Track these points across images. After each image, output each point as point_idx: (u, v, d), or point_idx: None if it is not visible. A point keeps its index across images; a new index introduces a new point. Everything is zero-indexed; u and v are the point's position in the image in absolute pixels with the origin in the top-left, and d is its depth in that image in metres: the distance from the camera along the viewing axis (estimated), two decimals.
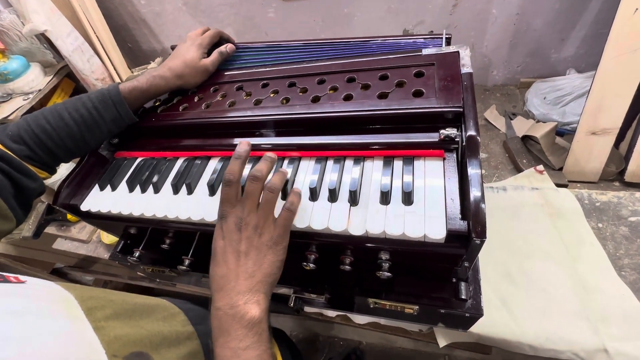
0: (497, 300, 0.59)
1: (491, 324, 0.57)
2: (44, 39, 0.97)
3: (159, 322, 0.40)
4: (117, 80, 1.05)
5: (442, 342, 0.62)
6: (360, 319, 0.71)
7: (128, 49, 1.21)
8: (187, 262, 0.55)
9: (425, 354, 1.36)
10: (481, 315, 0.44)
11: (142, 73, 1.03)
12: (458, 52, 0.47)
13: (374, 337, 1.37)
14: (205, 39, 0.60)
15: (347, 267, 0.45)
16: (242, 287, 0.36)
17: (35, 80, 0.99)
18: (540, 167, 0.74)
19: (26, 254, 1.32)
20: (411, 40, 0.52)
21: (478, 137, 0.39)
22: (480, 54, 0.91)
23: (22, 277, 0.31)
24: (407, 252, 0.40)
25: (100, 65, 1.03)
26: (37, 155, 0.49)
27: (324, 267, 0.47)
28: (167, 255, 0.59)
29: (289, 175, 0.43)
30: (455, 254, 0.38)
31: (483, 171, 0.81)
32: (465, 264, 0.40)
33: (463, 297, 0.44)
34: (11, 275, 0.31)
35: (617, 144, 0.71)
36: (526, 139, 0.80)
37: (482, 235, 0.33)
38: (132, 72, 1.08)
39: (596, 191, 0.66)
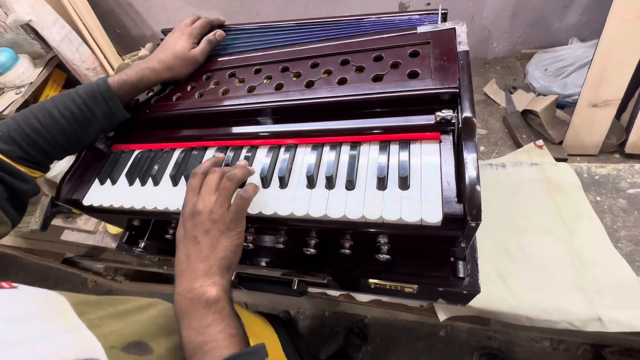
0: (495, 276, 0.61)
1: (490, 299, 0.59)
2: (30, 29, 0.94)
3: (154, 316, 0.41)
4: (109, 69, 1.02)
5: (442, 317, 0.64)
6: (362, 297, 0.73)
7: (117, 36, 1.17)
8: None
9: (428, 325, 1.41)
10: (478, 292, 0.46)
11: (133, 61, 1.01)
12: (454, 28, 0.46)
13: (378, 311, 1.42)
14: (195, 29, 0.59)
15: (347, 251, 0.46)
16: (198, 271, 0.37)
17: (25, 72, 0.97)
18: (540, 142, 0.73)
19: (36, 246, 1.35)
20: (406, 17, 0.51)
21: (474, 119, 0.38)
22: (480, 25, 0.88)
23: (14, 283, 0.32)
24: (405, 234, 0.41)
25: (90, 54, 1.01)
26: (30, 155, 0.48)
27: (325, 252, 0.49)
28: (172, 244, 0.61)
29: (258, 173, 0.46)
30: (452, 235, 0.39)
31: (482, 148, 0.81)
32: (462, 245, 0.41)
33: (461, 275, 0.46)
34: (3, 282, 0.31)
35: (618, 115, 0.70)
36: (526, 113, 0.79)
37: (478, 218, 0.33)
38: (123, 60, 1.06)
39: (595, 164, 0.66)
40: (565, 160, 0.72)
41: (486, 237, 0.65)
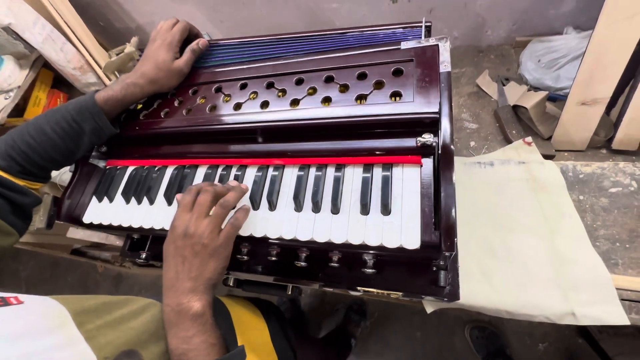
0: (479, 274, 0.64)
1: (473, 296, 0.62)
2: (11, 30, 0.91)
3: (147, 322, 0.44)
4: (96, 67, 1.00)
5: (429, 309, 0.68)
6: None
7: (101, 29, 1.13)
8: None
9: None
10: (458, 299, 0.49)
11: (119, 55, 0.99)
12: (437, 45, 0.45)
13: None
14: (175, 36, 0.57)
15: (335, 264, 0.49)
16: (187, 288, 0.41)
17: (12, 75, 0.96)
18: (529, 139, 0.73)
19: (44, 240, 1.40)
20: (390, 31, 0.50)
21: (452, 147, 0.39)
22: (474, 12, 0.84)
23: (21, 297, 0.35)
24: (388, 253, 0.43)
25: (75, 53, 0.98)
26: (27, 169, 0.51)
27: (315, 263, 0.52)
28: None
29: (248, 193, 0.48)
30: (430, 257, 0.41)
31: (473, 143, 0.82)
32: (441, 262, 0.44)
33: (442, 284, 0.49)
34: (11, 296, 0.35)
35: (607, 110, 0.70)
36: (517, 106, 0.79)
37: (451, 249, 0.36)
38: (110, 57, 1.03)
39: (581, 162, 0.67)
40: (552, 157, 0.73)
41: (472, 236, 0.67)
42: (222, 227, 0.43)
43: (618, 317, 0.56)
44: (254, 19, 0.99)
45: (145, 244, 0.64)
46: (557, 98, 0.78)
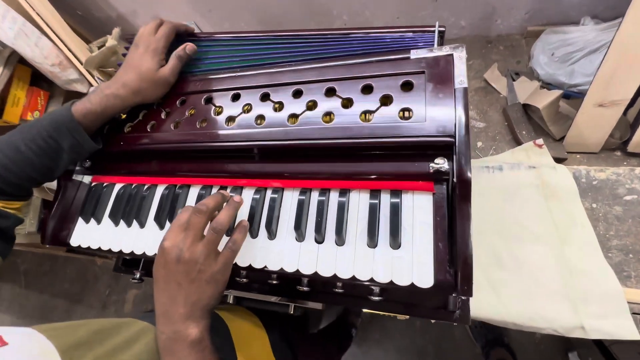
0: (486, 285, 0.63)
1: (479, 306, 0.61)
2: None
3: (141, 351, 0.42)
4: (76, 62, 0.93)
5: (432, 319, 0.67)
6: None
7: (80, 18, 1.04)
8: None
9: None
10: (468, 323, 0.47)
11: (100, 49, 0.92)
12: (452, 55, 0.40)
13: None
14: (160, 42, 0.52)
15: (340, 290, 0.46)
16: (182, 314, 0.38)
17: None
18: (540, 141, 0.70)
19: (37, 240, 1.37)
20: (398, 35, 0.44)
21: (470, 176, 0.35)
22: (483, 1, 0.78)
23: (5, 337, 0.32)
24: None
25: (51, 47, 0.90)
26: (3, 190, 0.47)
27: (318, 288, 0.49)
28: None
29: (241, 207, 0.44)
30: (443, 294, 0.39)
31: (480, 143, 0.78)
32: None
33: (451, 309, 0.47)
34: None
35: (625, 111, 0.66)
36: (528, 104, 0.74)
37: (469, 294, 0.33)
38: (91, 51, 0.96)
39: (595, 168, 0.64)
40: (564, 159, 0.69)
41: (479, 245, 0.65)
42: (220, 248, 0.40)
43: (629, 331, 0.55)
44: (245, 7, 0.91)
45: (139, 263, 0.61)
46: (570, 95, 0.73)
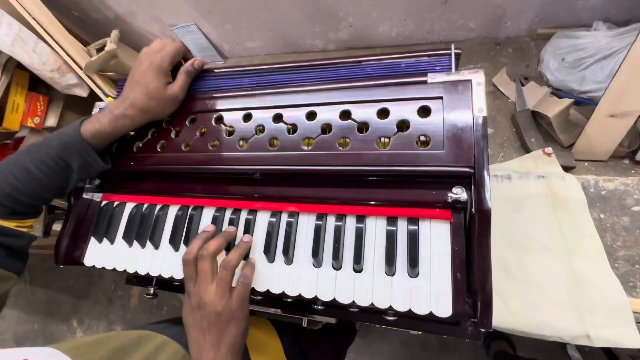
0: (494, 294, 0.63)
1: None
2: None
3: None
4: (75, 67, 0.90)
5: None
6: None
7: (76, 19, 1.01)
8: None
9: None
10: (480, 340, 0.48)
11: (100, 55, 0.89)
12: (470, 81, 0.40)
13: None
14: (165, 60, 0.50)
15: (355, 309, 0.47)
16: (211, 357, 0.39)
17: None
18: (549, 150, 0.69)
19: (42, 242, 1.38)
20: (413, 60, 0.43)
21: (489, 207, 0.36)
22: (493, 3, 0.76)
23: (31, 359, 0.33)
24: None
25: (50, 53, 0.88)
26: (15, 210, 0.48)
27: (333, 308, 0.50)
28: (182, 286, 0.62)
29: (257, 230, 0.47)
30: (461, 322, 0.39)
31: (488, 151, 0.77)
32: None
33: (463, 325, 0.48)
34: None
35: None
36: (537, 111, 0.74)
37: (489, 327, 0.34)
38: (90, 55, 0.94)
39: (604, 178, 0.64)
40: (572, 167, 0.70)
41: None
42: (233, 284, 0.42)
43: (633, 340, 0.56)
44: (246, 8, 0.89)
45: (152, 278, 0.62)
46: (580, 101, 0.73)
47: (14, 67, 0.92)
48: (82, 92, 0.97)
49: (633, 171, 0.67)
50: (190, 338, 0.42)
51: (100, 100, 0.77)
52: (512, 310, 0.62)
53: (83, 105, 1.07)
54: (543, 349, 1.31)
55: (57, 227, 1.14)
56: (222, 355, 0.40)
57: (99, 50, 0.95)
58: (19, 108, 0.95)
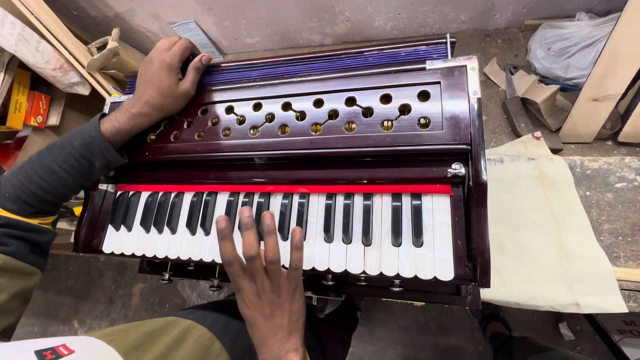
0: (490, 269, 0.68)
1: (485, 290, 0.67)
2: None
3: (192, 349, 0.46)
4: (77, 65, 0.92)
5: None
6: None
7: (75, 18, 1.02)
8: (215, 282, 0.61)
9: None
10: (479, 307, 0.53)
11: (102, 53, 0.91)
12: (465, 66, 0.44)
13: None
14: (175, 57, 0.53)
15: (363, 283, 0.51)
16: (280, 339, 0.42)
17: None
18: (538, 134, 0.74)
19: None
20: (412, 49, 0.47)
21: (485, 180, 0.39)
22: None
23: (70, 345, 0.35)
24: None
25: (52, 51, 0.89)
26: (39, 208, 0.50)
27: (342, 281, 0.53)
28: (196, 271, 0.65)
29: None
30: (463, 284, 0.43)
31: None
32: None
33: (463, 294, 0.52)
34: (59, 345, 0.34)
35: (616, 103, 0.70)
36: (526, 98, 0.78)
37: (487, 285, 0.38)
38: (91, 53, 0.95)
39: (589, 158, 0.69)
40: (560, 150, 0.74)
41: None
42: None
43: (618, 305, 0.61)
44: (245, 4, 0.91)
45: (166, 264, 0.65)
46: (566, 88, 0.77)
47: (16, 66, 0.93)
48: (84, 91, 0.99)
49: (615, 151, 0.72)
50: (253, 327, 0.43)
51: (102, 99, 0.79)
52: (507, 284, 0.66)
53: (84, 104, 1.08)
54: (536, 328, 1.37)
55: (61, 225, 1.16)
56: (291, 331, 0.42)
57: (100, 48, 0.97)
58: (22, 107, 0.96)
